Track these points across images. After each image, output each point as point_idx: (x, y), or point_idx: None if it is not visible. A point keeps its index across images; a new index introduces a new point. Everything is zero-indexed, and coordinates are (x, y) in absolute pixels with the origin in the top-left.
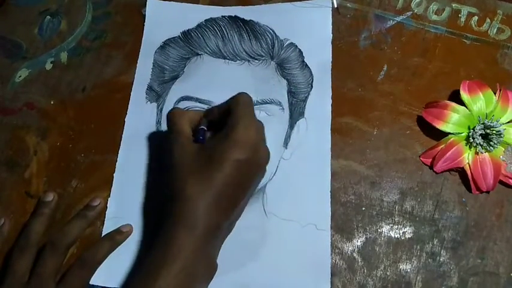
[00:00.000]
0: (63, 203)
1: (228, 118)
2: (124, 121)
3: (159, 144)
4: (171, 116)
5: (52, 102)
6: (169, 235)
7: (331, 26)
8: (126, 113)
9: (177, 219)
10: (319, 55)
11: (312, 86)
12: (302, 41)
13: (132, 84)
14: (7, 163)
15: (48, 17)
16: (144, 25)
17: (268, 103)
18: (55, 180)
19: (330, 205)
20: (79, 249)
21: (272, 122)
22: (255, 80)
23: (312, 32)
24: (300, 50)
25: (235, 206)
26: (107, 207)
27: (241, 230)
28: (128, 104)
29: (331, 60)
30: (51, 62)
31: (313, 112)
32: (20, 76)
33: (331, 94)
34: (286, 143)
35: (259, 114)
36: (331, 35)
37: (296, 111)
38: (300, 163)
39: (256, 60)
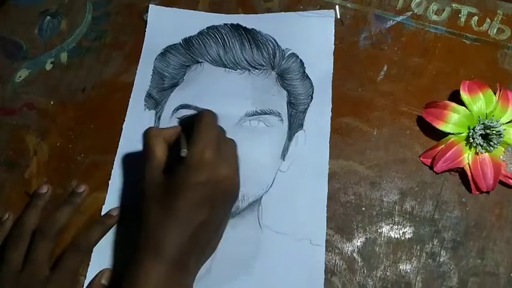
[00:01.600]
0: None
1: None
2: (122, 124)
3: None
4: (146, 137)
5: (52, 103)
6: (137, 266)
7: (333, 38)
8: (124, 119)
9: (143, 249)
10: (321, 66)
11: (312, 98)
12: (303, 52)
13: (132, 84)
14: (7, 163)
15: (48, 17)
16: (145, 30)
17: (267, 114)
18: (55, 181)
19: (325, 220)
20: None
21: (270, 133)
22: (255, 89)
23: (313, 42)
24: (301, 61)
25: (204, 231)
26: (101, 213)
27: (235, 242)
28: (127, 104)
29: (332, 71)
30: (51, 63)
31: (313, 124)
32: (20, 76)
33: (331, 106)
34: (283, 155)
35: (258, 124)
36: (334, 46)
37: (295, 123)
38: (297, 176)
39: (256, 70)
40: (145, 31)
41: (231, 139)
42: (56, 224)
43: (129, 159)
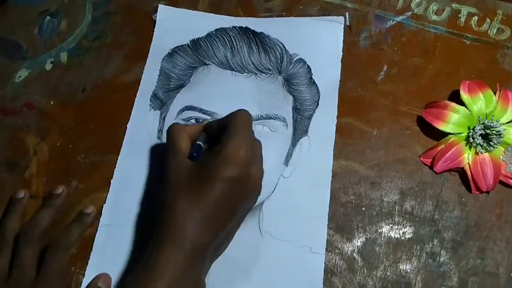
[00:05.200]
0: (63, 203)
1: (222, 134)
2: (124, 123)
3: (160, 153)
4: (170, 131)
5: (52, 103)
6: (157, 251)
7: (342, 44)
8: (129, 117)
9: (165, 235)
10: (328, 73)
11: (318, 104)
12: (311, 57)
13: (132, 84)
14: (7, 163)
15: (48, 17)
16: (153, 29)
17: (272, 118)
18: (55, 181)
19: (326, 228)
20: (78, 249)
21: (274, 138)
22: (261, 94)
23: (322, 48)
24: (308, 66)
25: (225, 225)
26: (101, 213)
27: (234, 247)
28: (127, 104)
29: (339, 78)
30: (51, 62)
31: (317, 131)
32: (20, 76)
33: (336, 114)
34: (287, 161)
35: (262, 129)
36: (342, 53)
37: (300, 129)
38: (300, 183)
39: (263, 74)
40: (153, 31)
41: (258, 140)
42: (38, 226)
43: (132, 159)
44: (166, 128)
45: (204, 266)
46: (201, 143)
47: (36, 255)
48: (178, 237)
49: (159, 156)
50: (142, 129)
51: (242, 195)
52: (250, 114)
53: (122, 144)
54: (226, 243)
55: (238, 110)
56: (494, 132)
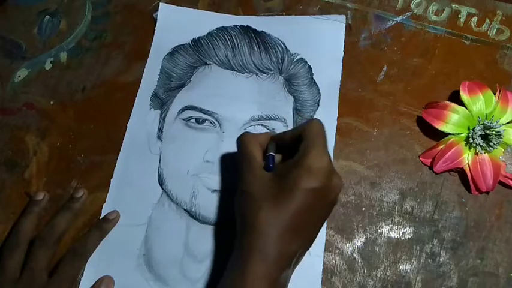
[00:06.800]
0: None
1: (300, 144)
2: (124, 123)
3: (159, 153)
4: (242, 141)
5: (52, 103)
6: (243, 265)
7: (343, 44)
8: (129, 117)
9: (249, 248)
10: (329, 73)
11: (318, 105)
12: (312, 57)
13: (132, 84)
14: (7, 163)
15: (48, 16)
16: (154, 28)
17: (273, 119)
18: (55, 181)
19: (325, 232)
20: None
21: None
22: (261, 94)
23: (323, 48)
24: (309, 66)
25: (309, 235)
26: (101, 212)
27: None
28: (127, 104)
29: (340, 79)
30: (50, 62)
31: None
32: (20, 76)
33: (337, 115)
34: None
35: (262, 130)
36: (343, 53)
37: None
38: None
39: (264, 74)
40: (154, 29)
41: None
42: (56, 231)
43: (132, 159)
44: (237, 139)
45: (288, 277)
46: (273, 153)
47: (49, 260)
48: (263, 249)
49: (159, 156)
50: (143, 129)
51: (323, 205)
52: (322, 123)
53: (122, 144)
54: (305, 252)
55: (312, 119)
56: (494, 132)
